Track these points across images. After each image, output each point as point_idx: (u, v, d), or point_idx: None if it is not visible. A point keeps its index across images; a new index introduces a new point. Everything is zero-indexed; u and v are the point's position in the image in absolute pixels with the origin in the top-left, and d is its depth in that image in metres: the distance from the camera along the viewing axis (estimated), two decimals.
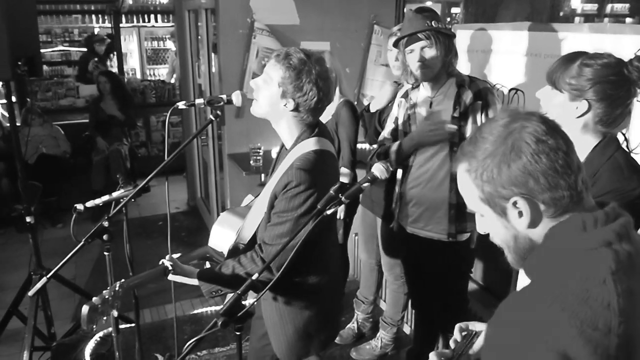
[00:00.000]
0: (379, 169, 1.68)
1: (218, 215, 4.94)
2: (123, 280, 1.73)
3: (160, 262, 1.86)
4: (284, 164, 1.78)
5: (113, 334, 2.06)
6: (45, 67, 7.39)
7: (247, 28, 3.79)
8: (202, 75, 4.95)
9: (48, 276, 1.87)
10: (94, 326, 1.62)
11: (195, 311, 3.74)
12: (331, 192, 1.57)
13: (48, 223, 5.47)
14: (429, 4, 5.24)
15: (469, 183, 1.04)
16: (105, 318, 1.64)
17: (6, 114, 6.74)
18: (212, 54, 4.48)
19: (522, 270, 1.10)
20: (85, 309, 1.58)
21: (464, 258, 2.49)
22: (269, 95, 1.77)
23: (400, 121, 2.44)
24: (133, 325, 2.56)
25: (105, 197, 2.03)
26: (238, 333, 1.57)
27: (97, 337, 3.28)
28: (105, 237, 1.90)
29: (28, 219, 3.18)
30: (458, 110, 2.24)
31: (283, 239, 1.69)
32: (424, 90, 2.36)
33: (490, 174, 0.98)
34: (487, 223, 1.07)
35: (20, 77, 2.94)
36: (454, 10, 6.19)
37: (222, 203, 4.77)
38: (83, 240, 1.86)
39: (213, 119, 1.94)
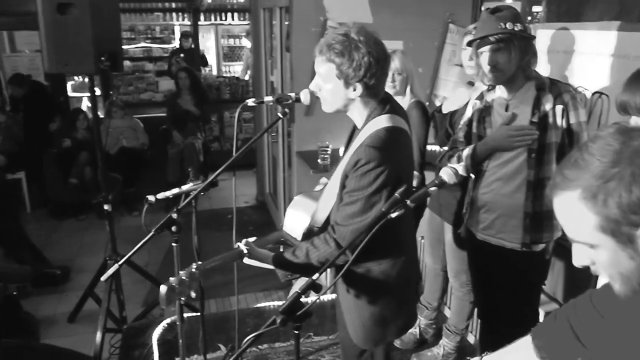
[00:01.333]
0: (447, 174, 1.62)
1: (285, 211, 5.00)
2: (200, 262, 1.75)
3: (236, 246, 1.87)
4: (355, 143, 1.75)
5: (178, 322, 2.12)
6: (127, 63, 7.77)
7: (320, 26, 3.80)
8: (275, 73, 5.01)
9: (119, 263, 1.96)
10: (172, 305, 1.66)
11: (259, 305, 3.80)
12: (397, 195, 1.53)
13: (125, 211, 5.75)
14: (508, 1, 5.03)
15: (584, 212, 0.92)
16: (183, 299, 1.67)
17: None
18: (285, 52, 4.52)
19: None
20: (163, 288, 1.61)
21: (537, 269, 2.37)
22: (333, 91, 1.75)
23: (474, 124, 2.36)
24: (198, 314, 2.63)
25: (176, 190, 2.10)
26: (296, 332, 1.57)
27: (164, 323, 3.39)
28: (173, 228, 1.96)
29: (106, 207, 3.35)
30: (537, 115, 2.13)
31: (355, 219, 1.67)
32: (500, 93, 2.26)
33: (618, 199, 0.87)
34: (599, 254, 0.95)
35: (104, 72, 3.09)
36: (536, 8, 5.91)
37: (289, 199, 4.82)
38: (153, 230, 1.92)
39: (281, 116, 1.95)
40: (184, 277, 1.67)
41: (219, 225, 5.36)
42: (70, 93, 7.40)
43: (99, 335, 3.21)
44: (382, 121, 1.74)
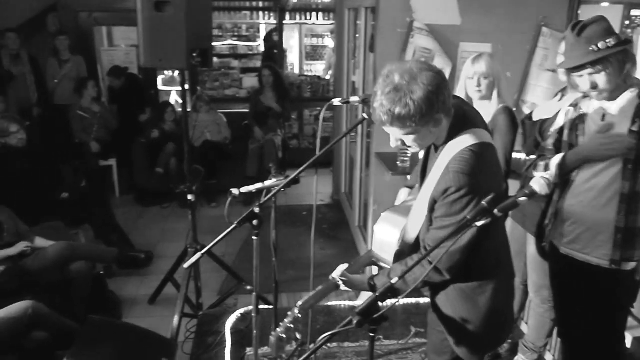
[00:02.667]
0: (539, 184, 1.56)
1: (360, 212, 4.99)
2: (300, 303, 1.79)
3: (331, 278, 1.90)
4: (438, 164, 1.70)
5: (253, 314, 2.17)
6: (215, 59, 8.03)
7: (406, 27, 3.75)
8: (357, 73, 5.02)
9: (202, 252, 2.03)
10: (284, 354, 1.73)
11: (330, 303, 3.82)
12: (484, 203, 1.48)
13: (205, 202, 5.96)
14: (605, 5, 4.75)
15: None
16: (292, 343, 1.74)
17: (180, 100, 7.48)
18: (369, 52, 4.51)
19: None
20: (272, 340, 1.69)
21: (625, 289, 2.22)
22: (416, 139, 1.68)
23: (565, 132, 2.24)
24: (271, 307, 2.68)
25: (259, 185, 2.15)
26: (372, 334, 1.56)
27: (238, 313, 3.48)
28: (255, 222, 2.01)
29: (189, 197, 3.50)
30: (638, 124, 1.99)
31: (448, 243, 1.64)
32: (598, 102, 2.14)
33: None
34: None
35: (193, 68, 3.21)
36: (634, 12, 5.54)
37: (364, 200, 4.81)
38: (235, 223, 1.97)
39: (366, 117, 1.94)
40: (289, 325, 1.73)
41: (294, 222, 5.44)
42: (160, 87, 7.77)
43: (176, 319, 3.35)
44: (466, 140, 1.67)
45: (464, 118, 1.73)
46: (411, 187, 2.23)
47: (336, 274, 1.90)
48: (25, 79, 6.08)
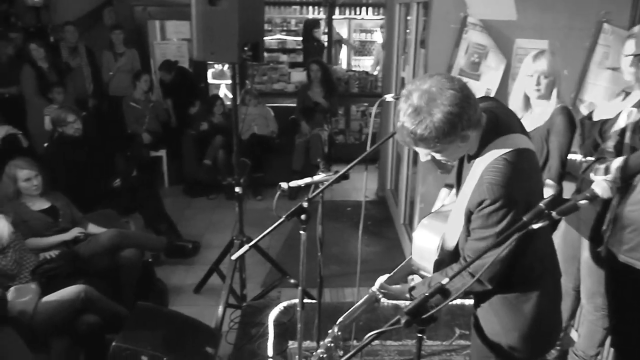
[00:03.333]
0: (602, 187, 1.50)
1: (405, 209, 4.93)
2: (340, 321, 1.78)
3: (370, 291, 1.90)
4: (472, 174, 1.66)
5: (298, 309, 2.17)
6: (264, 53, 8.09)
7: (459, 23, 3.67)
8: (407, 69, 4.95)
9: (250, 245, 2.05)
10: None
11: None
12: (541, 205, 1.43)
13: (250, 194, 6.02)
14: None
15: None
16: None
17: (229, 94, 7.59)
18: (419, 48, 4.44)
19: None
20: None
21: None
22: (447, 155, 1.66)
23: (628, 134, 2.15)
24: (314, 301, 2.68)
25: (308, 180, 2.15)
26: (420, 335, 1.54)
27: (281, 305, 3.51)
28: (303, 217, 2.01)
29: (237, 190, 3.54)
30: None
31: (488, 253, 1.59)
32: None
33: None
34: None
35: (244, 62, 3.23)
36: None
37: (411, 198, 4.75)
38: (284, 217, 1.98)
39: None
40: (329, 345, 1.72)
41: (337, 217, 5.43)
42: (210, 80, 7.90)
43: (220, 309, 3.40)
44: (499, 148, 1.62)
45: (497, 124, 1.67)
46: (451, 187, 2.18)
47: (375, 287, 1.89)
48: (82, 71, 6.30)
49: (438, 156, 1.67)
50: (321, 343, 1.73)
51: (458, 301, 3.48)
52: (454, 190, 1.97)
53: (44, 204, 3.63)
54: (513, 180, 1.59)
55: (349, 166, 1.96)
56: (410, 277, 1.96)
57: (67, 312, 2.93)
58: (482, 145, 1.65)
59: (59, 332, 2.95)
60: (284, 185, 2.13)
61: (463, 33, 3.65)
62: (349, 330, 1.81)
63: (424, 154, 1.67)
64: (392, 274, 1.97)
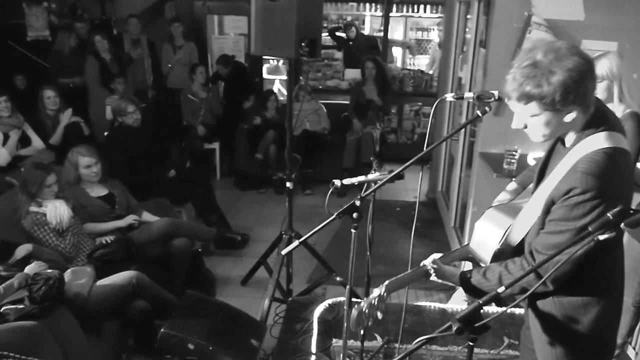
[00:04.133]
0: None
1: (457, 212, 4.83)
2: (387, 282, 1.75)
3: (422, 264, 1.84)
4: (564, 162, 1.56)
5: (345, 307, 2.15)
6: None
7: (523, 22, 3.54)
8: (465, 69, 4.84)
9: (300, 241, 2.04)
10: (362, 328, 1.70)
11: (419, 303, 3.73)
12: (609, 215, 1.35)
13: (299, 189, 6.04)
14: None
15: None
16: (371, 320, 1.69)
17: (283, 90, 7.65)
18: (479, 48, 4.32)
19: None
20: (354, 313, 1.65)
21: None
22: (545, 124, 1.56)
23: None
24: (360, 300, 2.65)
25: (362, 178, 2.12)
26: (471, 344, 1.49)
27: (326, 303, 3.50)
28: (355, 215, 1.98)
29: (288, 185, 3.55)
30: None
31: (560, 250, 1.50)
32: None
33: None
34: None
35: (300, 58, 3.23)
36: None
37: (463, 201, 4.64)
38: (335, 214, 1.96)
39: (480, 114, 1.85)
40: (373, 302, 1.68)
41: (386, 217, 5.38)
42: (264, 75, 7.97)
43: (266, 303, 3.42)
44: (600, 141, 1.53)
45: (604, 118, 1.58)
46: (523, 182, 2.10)
47: (428, 261, 1.83)
48: (143, 63, 6.49)
49: (533, 126, 1.58)
50: (365, 299, 1.68)
51: (507, 310, 3.37)
52: (528, 189, 1.90)
53: (102, 191, 3.75)
54: (609, 175, 1.49)
55: (404, 166, 1.92)
56: (462, 262, 1.92)
57: (119, 296, 3.02)
58: (582, 133, 1.57)
59: (111, 316, 3.04)
60: (336, 182, 2.11)
61: (526, 32, 3.52)
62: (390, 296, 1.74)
63: (519, 119, 1.59)
64: (446, 254, 1.91)
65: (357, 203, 1.94)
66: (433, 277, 1.82)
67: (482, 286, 1.69)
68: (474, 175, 3.98)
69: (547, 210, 1.59)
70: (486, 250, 1.82)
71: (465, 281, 1.73)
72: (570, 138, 1.60)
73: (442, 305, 3.57)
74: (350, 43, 7.55)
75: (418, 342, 1.47)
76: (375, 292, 1.70)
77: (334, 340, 3.19)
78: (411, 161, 1.85)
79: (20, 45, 6.66)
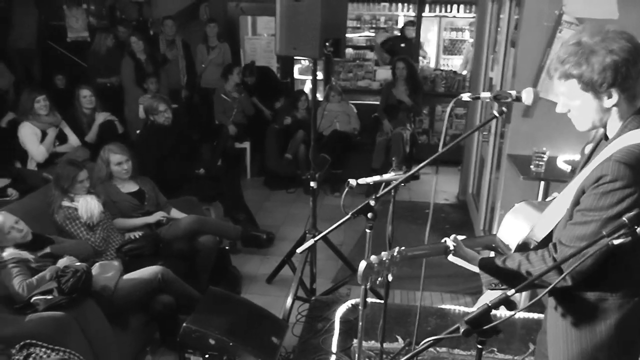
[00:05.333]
0: None
1: (486, 214, 4.75)
2: (403, 247, 1.72)
3: (443, 240, 1.81)
4: (601, 155, 1.53)
5: (360, 306, 2.15)
6: (350, 51, 8.10)
7: (553, 21, 3.46)
8: (495, 69, 4.76)
9: (315, 239, 2.05)
10: (368, 283, 1.67)
11: (443, 306, 3.70)
12: (624, 219, 1.31)
13: (329, 190, 6.05)
14: None
15: None
16: (380, 279, 1.66)
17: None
18: (510, 47, 4.25)
19: None
20: (362, 264, 1.62)
21: None
22: (583, 106, 1.55)
23: None
24: (382, 301, 2.65)
25: (377, 177, 2.12)
26: (480, 346, 1.47)
27: (349, 303, 3.50)
28: (369, 215, 1.98)
29: (312, 184, 3.56)
30: None
31: (584, 242, 1.46)
32: None
33: None
34: None
35: (328, 58, 3.24)
36: None
37: (492, 203, 4.57)
38: (350, 214, 1.97)
39: (497, 115, 1.82)
40: (384, 259, 1.66)
41: (415, 218, 5.33)
42: (296, 75, 8.02)
43: (289, 301, 3.44)
44: (639, 136, 1.49)
45: None
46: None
47: (450, 239, 1.80)
48: (177, 63, 6.62)
49: (574, 109, 1.58)
50: (376, 255, 1.65)
51: (535, 315, 3.30)
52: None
53: (133, 187, 3.85)
54: None
55: (419, 167, 1.90)
56: (485, 251, 1.88)
57: (144, 290, 3.10)
58: (625, 127, 1.54)
59: (137, 309, 3.12)
60: (352, 182, 2.11)
61: (557, 32, 3.44)
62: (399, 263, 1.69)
63: (562, 102, 1.59)
64: (470, 238, 1.87)
65: (372, 203, 1.94)
66: (451, 257, 1.78)
67: (501, 271, 1.65)
68: (502, 177, 3.91)
69: (576, 201, 1.55)
70: (511, 242, 1.79)
71: (484, 264, 1.70)
72: (612, 130, 1.57)
73: (467, 309, 3.52)
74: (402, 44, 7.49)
75: (425, 342, 1.45)
76: (389, 252, 1.67)
77: (355, 340, 3.18)
78: (425, 162, 1.84)
79: (61, 46, 6.91)
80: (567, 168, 3.37)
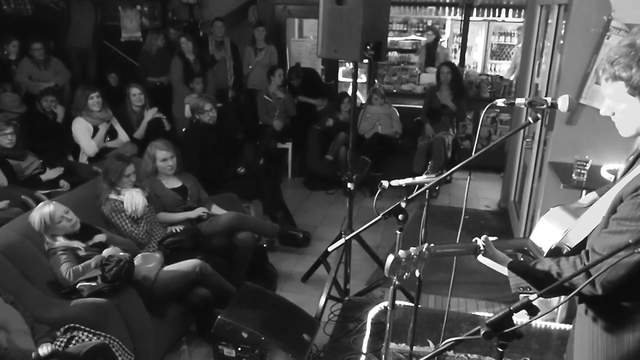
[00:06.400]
0: None
1: (526, 222, 4.66)
2: (432, 244, 1.73)
3: (474, 240, 1.81)
4: None
5: (388, 307, 2.17)
6: (395, 54, 8.10)
7: (601, 27, 3.38)
8: (541, 75, 4.67)
9: (345, 239, 2.10)
10: (394, 277, 1.68)
11: (477, 313, 3.66)
12: None
13: (368, 192, 6.06)
14: None
15: None
16: (407, 274, 1.68)
17: (359, 93, 7.68)
18: (557, 54, 4.16)
19: None
20: (390, 258, 1.64)
21: None
22: (628, 110, 1.52)
23: None
24: (412, 305, 2.66)
25: (409, 180, 2.14)
26: (501, 350, 1.47)
27: (382, 305, 3.51)
28: (400, 216, 2.01)
29: (349, 186, 3.60)
30: None
31: (619, 252, 1.43)
32: None
33: None
34: None
35: (370, 60, 3.27)
36: None
37: (533, 211, 4.48)
38: (380, 215, 2.00)
39: (531, 121, 1.81)
40: (412, 254, 1.67)
41: (453, 224, 5.26)
42: (340, 78, 8.07)
43: (322, 300, 3.49)
44: None
45: None
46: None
47: (480, 239, 1.79)
48: (225, 64, 6.78)
49: (618, 113, 1.55)
50: (405, 250, 1.66)
51: (570, 327, 3.23)
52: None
53: (176, 183, 3.99)
54: None
55: (451, 170, 1.92)
56: (517, 254, 1.86)
57: (182, 283, 3.21)
58: None
59: (175, 300, 3.24)
60: (385, 183, 2.14)
61: (605, 38, 3.36)
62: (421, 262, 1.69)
63: (608, 104, 1.57)
64: (502, 240, 1.87)
65: (403, 204, 1.96)
66: (480, 257, 1.78)
67: (530, 275, 1.64)
68: (543, 185, 3.84)
69: (613, 209, 1.53)
70: (544, 246, 1.77)
71: (514, 267, 1.69)
72: None
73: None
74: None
75: (446, 343, 1.47)
76: (418, 248, 1.68)
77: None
78: (457, 166, 1.85)
79: (115, 45, 7.19)
80: (611, 177, 3.28)
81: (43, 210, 3.05)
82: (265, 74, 6.65)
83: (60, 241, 3.05)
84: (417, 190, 2.15)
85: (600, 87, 1.58)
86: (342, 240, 2.13)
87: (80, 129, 4.80)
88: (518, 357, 3.00)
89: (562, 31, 3.99)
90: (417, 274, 1.67)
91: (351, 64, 7.83)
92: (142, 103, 5.21)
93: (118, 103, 5.29)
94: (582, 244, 1.66)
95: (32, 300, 2.76)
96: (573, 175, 3.32)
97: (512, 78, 7.43)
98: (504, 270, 1.74)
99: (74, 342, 2.54)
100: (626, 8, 3.31)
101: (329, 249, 2.47)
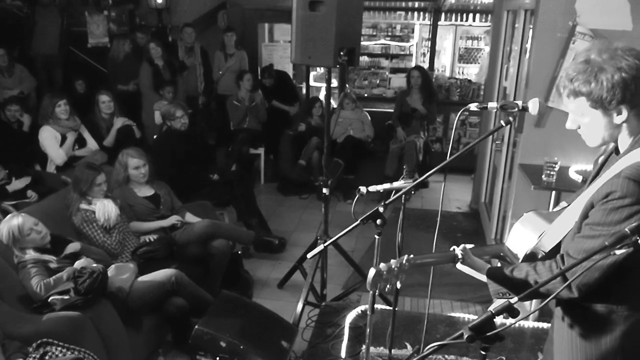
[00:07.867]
0: None
1: (497, 224, 4.75)
2: (412, 255, 1.75)
3: (452, 249, 1.84)
4: (611, 170, 1.55)
5: (368, 312, 2.18)
6: (366, 59, 8.16)
7: (567, 32, 3.48)
8: (509, 79, 4.77)
9: (324, 245, 2.10)
10: (376, 290, 1.69)
11: (453, 314, 3.70)
12: (626, 230, 1.33)
13: (341, 196, 6.09)
14: None
15: None
16: (388, 286, 1.69)
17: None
18: (524, 58, 4.26)
19: None
20: (371, 272, 1.65)
21: None
22: (592, 123, 1.57)
23: None
24: (391, 308, 2.68)
25: (387, 185, 2.16)
26: (483, 352, 1.50)
27: (359, 309, 3.52)
28: (378, 221, 2.02)
29: (324, 191, 3.61)
30: None
31: (592, 256, 1.47)
32: None
33: None
34: None
35: (342, 66, 3.29)
36: None
37: (504, 212, 4.57)
38: (359, 220, 2.01)
39: (503, 124, 1.86)
40: (393, 267, 1.69)
41: (427, 226, 5.34)
42: (311, 82, 8.08)
43: (300, 306, 3.48)
44: None
45: None
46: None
47: (458, 249, 1.82)
48: (195, 70, 6.71)
49: (583, 125, 1.60)
50: (386, 263, 1.68)
51: (545, 324, 3.30)
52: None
53: (149, 191, 3.93)
54: None
55: (426, 174, 1.94)
56: (494, 260, 1.90)
57: (158, 293, 3.16)
58: (636, 142, 1.56)
59: (150, 311, 3.18)
60: (362, 189, 2.15)
61: (570, 43, 3.46)
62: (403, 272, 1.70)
63: (572, 118, 1.62)
64: (479, 247, 1.90)
65: (381, 209, 1.97)
66: (459, 265, 1.81)
67: (508, 281, 1.67)
68: (514, 186, 3.92)
69: (585, 215, 1.57)
70: (519, 251, 1.81)
71: (492, 273, 1.72)
72: (623, 145, 1.59)
73: (474, 318, 3.52)
74: None
75: (430, 348, 1.49)
76: (398, 260, 1.70)
77: (364, 346, 3.21)
78: (433, 170, 1.88)
79: (82, 52, 7.05)
80: (579, 178, 3.38)
81: (11, 223, 2.96)
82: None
83: (30, 254, 2.97)
84: (394, 195, 2.18)
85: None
86: (321, 247, 2.12)
87: (48, 137, 4.69)
88: (494, 357, 3.04)
89: (529, 36, 4.09)
90: (398, 285, 1.69)
91: (322, 68, 7.94)
92: (111, 110, 5.12)
93: (86, 110, 5.19)
94: (557, 248, 1.71)
95: (2, 316, 2.66)
96: (543, 176, 3.40)
97: (481, 81, 7.58)
98: (482, 277, 1.77)
99: (47, 357, 2.47)
100: (590, 14, 3.42)
101: (308, 256, 2.47)
